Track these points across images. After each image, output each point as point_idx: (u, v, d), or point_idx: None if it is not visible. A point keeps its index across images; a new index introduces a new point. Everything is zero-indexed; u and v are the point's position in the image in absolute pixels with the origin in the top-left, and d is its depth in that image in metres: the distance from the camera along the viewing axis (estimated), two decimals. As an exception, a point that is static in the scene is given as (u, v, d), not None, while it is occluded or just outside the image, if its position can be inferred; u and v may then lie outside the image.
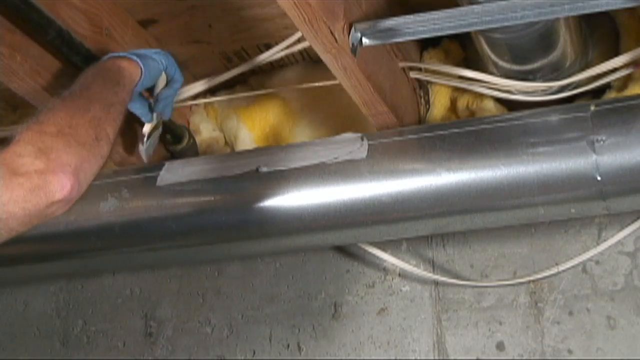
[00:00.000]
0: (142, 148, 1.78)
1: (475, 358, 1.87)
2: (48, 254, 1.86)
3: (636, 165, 1.54)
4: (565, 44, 1.65)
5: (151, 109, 1.73)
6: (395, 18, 1.51)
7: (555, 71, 1.70)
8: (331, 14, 1.45)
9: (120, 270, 2.18)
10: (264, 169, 1.75)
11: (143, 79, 1.58)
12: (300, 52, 1.96)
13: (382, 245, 1.95)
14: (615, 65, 1.67)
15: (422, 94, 1.89)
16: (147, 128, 1.77)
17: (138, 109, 1.69)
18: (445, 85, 1.87)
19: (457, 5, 1.48)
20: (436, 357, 1.90)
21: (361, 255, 2.00)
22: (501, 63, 1.69)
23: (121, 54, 1.59)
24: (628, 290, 1.81)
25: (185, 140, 1.97)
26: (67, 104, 1.37)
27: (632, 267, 1.82)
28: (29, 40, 1.58)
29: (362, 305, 1.98)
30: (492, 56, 1.67)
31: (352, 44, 1.51)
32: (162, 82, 1.70)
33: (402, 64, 1.80)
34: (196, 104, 2.04)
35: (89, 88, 1.44)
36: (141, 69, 1.57)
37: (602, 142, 1.55)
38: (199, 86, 1.95)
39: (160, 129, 1.81)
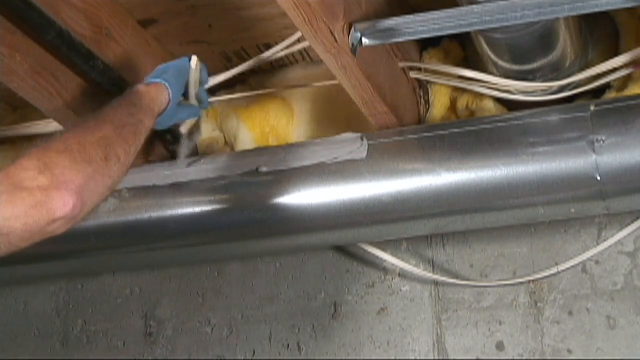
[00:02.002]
0: (183, 147, 1.77)
1: (475, 358, 1.87)
2: (48, 254, 1.87)
3: (636, 165, 1.54)
4: (565, 44, 1.65)
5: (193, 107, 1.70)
6: (395, 18, 1.51)
7: (555, 71, 1.70)
8: (331, 14, 1.45)
9: (120, 270, 2.18)
10: (264, 169, 1.75)
11: (172, 96, 1.55)
12: (300, 52, 1.96)
13: (382, 245, 1.95)
14: (615, 65, 1.67)
15: (422, 94, 1.89)
16: (184, 128, 1.74)
17: (186, 115, 1.66)
18: (445, 85, 1.86)
19: (457, 5, 1.48)
20: (436, 357, 1.89)
21: (361, 255, 2.00)
22: (501, 63, 1.69)
23: (147, 80, 1.56)
24: (628, 290, 1.81)
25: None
26: (79, 126, 1.35)
27: (632, 267, 1.82)
28: (29, 40, 1.58)
29: (362, 305, 1.98)
30: (492, 56, 1.67)
31: (352, 44, 1.51)
32: (193, 82, 1.66)
33: (402, 64, 1.80)
34: (196, 104, 2.03)
35: (102, 111, 1.42)
36: (167, 88, 1.54)
37: (602, 142, 1.55)
38: (198, 86, 1.94)
39: (198, 123, 1.77)
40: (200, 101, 1.67)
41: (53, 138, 1.29)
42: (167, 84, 1.54)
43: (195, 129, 1.77)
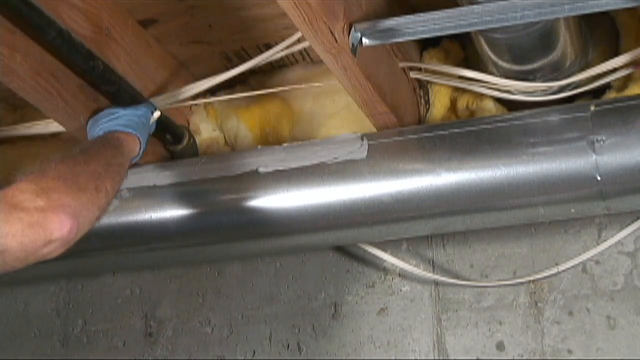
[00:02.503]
0: None
1: (475, 358, 1.87)
2: (48, 254, 1.86)
3: (636, 165, 1.54)
4: (565, 44, 1.65)
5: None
6: (395, 18, 1.51)
7: (555, 71, 1.70)
8: (331, 14, 1.45)
9: (120, 270, 2.18)
10: (264, 169, 1.75)
11: (142, 147, 1.64)
12: (300, 52, 1.96)
13: (382, 245, 1.95)
14: (615, 65, 1.67)
15: (422, 94, 1.89)
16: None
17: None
18: (445, 85, 1.86)
19: (457, 5, 1.48)
20: (436, 357, 1.90)
21: (361, 255, 2.00)
22: (501, 63, 1.69)
23: (120, 128, 1.63)
24: (628, 290, 1.81)
25: (185, 140, 1.97)
26: (67, 159, 1.38)
27: (632, 267, 1.82)
28: (29, 40, 1.58)
29: (362, 305, 1.98)
30: (492, 56, 1.67)
31: (352, 44, 1.51)
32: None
33: (402, 64, 1.80)
34: (196, 104, 2.03)
35: (87, 149, 1.48)
36: (139, 142, 1.63)
37: (602, 142, 1.55)
38: (199, 86, 1.94)
39: None
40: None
41: (46, 166, 1.31)
42: (140, 138, 1.63)
43: None
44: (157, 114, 1.75)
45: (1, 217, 1.18)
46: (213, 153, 2.05)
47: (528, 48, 1.62)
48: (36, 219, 1.20)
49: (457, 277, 1.91)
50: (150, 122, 1.73)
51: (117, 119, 1.66)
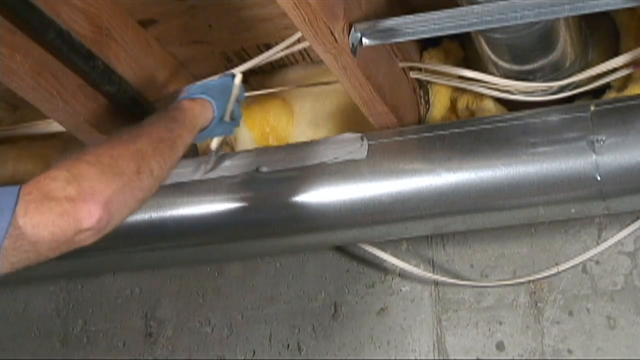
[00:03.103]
0: (210, 162, 1.79)
1: (475, 358, 1.87)
2: (48, 254, 1.86)
3: (636, 165, 1.54)
4: (565, 44, 1.65)
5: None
6: (395, 18, 1.51)
7: (555, 71, 1.70)
8: (331, 14, 1.45)
9: (120, 270, 2.18)
10: (264, 169, 1.75)
11: (217, 113, 1.56)
12: (300, 52, 1.96)
13: (382, 245, 1.95)
14: (615, 65, 1.67)
15: (422, 94, 1.89)
16: (214, 144, 1.77)
17: (221, 132, 1.66)
18: (445, 85, 1.86)
19: (457, 5, 1.48)
20: (436, 357, 1.90)
21: (361, 255, 2.00)
22: (501, 63, 1.69)
23: (192, 94, 1.57)
24: (628, 290, 1.81)
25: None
26: (113, 139, 1.35)
27: (632, 267, 1.82)
28: (29, 40, 1.58)
29: (362, 305, 1.98)
30: (492, 56, 1.67)
31: (352, 44, 1.51)
32: (233, 99, 1.66)
33: (402, 64, 1.80)
34: (196, 104, 2.03)
35: (140, 125, 1.42)
36: (212, 105, 1.56)
37: (602, 142, 1.55)
38: (199, 86, 1.94)
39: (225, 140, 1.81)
40: (233, 118, 1.67)
41: (86, 149, 1.29)
42: (213, 102, 1.55)
43: (221, 145, 1.79)
44: (239, 76, 1.67)
45: (33, 206, 1.17)
46: (213, 153, 2.05)
47: (528, 48, 1.62)
48: (66, 209, 1.19)
49: (457, 277, 1.91)
50: (236, 84, 1.65)
51: (189, 90, 1.60)
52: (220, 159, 1.81)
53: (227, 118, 1.64)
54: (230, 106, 1.64)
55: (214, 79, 1.67)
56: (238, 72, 1.69)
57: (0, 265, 1.18)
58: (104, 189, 1.23)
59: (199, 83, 1.64)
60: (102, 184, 1.23)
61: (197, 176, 1.80)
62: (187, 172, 1.80)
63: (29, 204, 1.17)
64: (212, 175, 1.78)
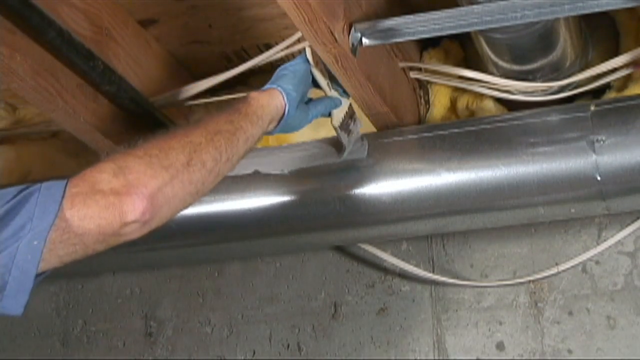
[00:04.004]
0: (341, 139, 1.67)
1: (475, 358, 1.87)
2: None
3: (636, 165, 1.54)
4: (565, 44, 1.65)
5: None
6: (395, 18, 1.51)
7: (555, 71, 1.70)
8: (331, 14, 1.45)
9: (120, 270, 2.18)
10: (264, 170, 1.75)
11: (287, 99, 1.49)
12: (300, 52, 1.96)
13: (382, 245, 1.95)
14: (615, 65, 1.67)
15: (422, 94, 1.89)
16: (335, 120, 1.64)
17: (323, 109, 1.60)
18: (445, 85, 1.86)
19: (457, 5, 1.48)
20: (436, 357, 1.90)
21: (361, 255, 2.00)
22: (501, 63, 1.69)
23: (265, 86, 1.51)
24: (628, 290, 1.81)
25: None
26: (169, 132, 1.34)
27: (632, 267, 1.82)
28: (29, 40, 1.58)
29: (362, 305, 1.98)
30: (492, 56, 1.67)
31: (352, 44, 1.51)
32: (318, 74, 1.59)
33: (402, 64, 1.80)
34: (196, 104, 2.03)
35: (199, 119, 1.41)
36: (281, 92, 1.49)
37: (602, 142, 1.55)
38: (199, 86, 1.94)
39: (352, 112, 1.67)
40: (336, 89, 1.61)
41: (137, 143, 1.28)
42: (280, 89, 1.50)
43: (348, 118, 1.67)
44: (308, 51, 1.57)
45: (80, 199, 1.18)
46: (213, 153, 2.04)
47: (528, 48, 1.62)
48: (111, 201, 1.19)
49: (457, 277, 1.91)
50: (309, 59, 1.58)
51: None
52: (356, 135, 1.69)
53: (329, 92, 1.58)
54: (321, 81, 1.57)
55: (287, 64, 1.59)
56: (307, 48, 1.59)
57: (48, 259, 1.18)
58: (149, 181, 1.22)
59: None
60: (148, 176, 1.22)
61: (334, 159, 1.71)
62: (320, 154, 1.74)
63: (75, 196, 1.18)
64: (351, 156, 1.71)
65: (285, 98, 1.49)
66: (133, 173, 1.22)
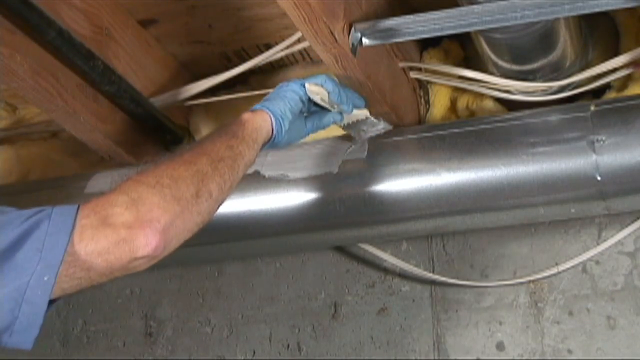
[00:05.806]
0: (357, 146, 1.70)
1: (475, 358, 1.87)
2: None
3: (636, 165, 1.54)
4: (565, 44, 1.65)
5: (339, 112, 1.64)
6: (395, 18, 1.51)
7: (555, 71, 1.70)
8: (331, 14, 1.45)
9: (120, 270, 2.18)
10: (264, 170, 1.75)
11: (275, 119, 1.48)
12: (300, 52, 1.96)
13: (382, 245, 1.95)
14: (615, 65, 1.67)
15: (422, 94, 1.89)
16: (346, 121, 1.67)
17: (320, 124, 1.61)
18: (445, 85, 1.86)
19: (457, 5, 1.48)
20: (436, 357, 1.89)
21: (361, 255, 2.00)
22: (501, 63, 1.69)
23: (255, 107, 1.50)
24: (628, 290, 1.81)
25: (185, 141, 1.97)
26: (175, 157, 1.32)
27: (632, 267, 1.82)
28: (29, 40, 1.58)
29: (362, 305, 1.98)
30: (492, 56, 1.67)
31: (352, 44, 1.51)
32: (316, 94, 1.58)
33: (402, 64, 1.80)
34: (196, 104, 2.03)
35: (201, 142, 1.38)
36: (267, 113, 1.48)
37: (602, 142, 1.55)
38: (199, 86, 1.95)
39: (365, 117, 1.69)
40: (334, 106, 1.60)
41: (147, 168, 1.26)
42: (267, 109, 1.49)
43: (359, 126, 1.70)
44: (307, 85, 1.57)
45: (89, 233, 1.15)
46: (213, 153, 2.04)
47: (528, 48, 1.62)
48: (123, 236, 1.16)
49: (457, 277, 1.91)
50: (307, 90, 1.57)
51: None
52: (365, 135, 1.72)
53: (332, 108, 1.58)
54: (317, 99, 1.56)
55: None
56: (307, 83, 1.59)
57: (53, 291, 1.17)
58: (162, 215, 1.20)
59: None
60: (161, 210, 1.20)
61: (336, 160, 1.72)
62: (321, 154, 1.74)
63: (85, 229, 1.15)
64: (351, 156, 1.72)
65: (273, 121, 1.49)
66: (146, 205, 1.19)
